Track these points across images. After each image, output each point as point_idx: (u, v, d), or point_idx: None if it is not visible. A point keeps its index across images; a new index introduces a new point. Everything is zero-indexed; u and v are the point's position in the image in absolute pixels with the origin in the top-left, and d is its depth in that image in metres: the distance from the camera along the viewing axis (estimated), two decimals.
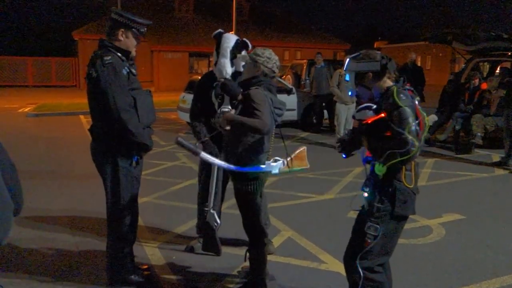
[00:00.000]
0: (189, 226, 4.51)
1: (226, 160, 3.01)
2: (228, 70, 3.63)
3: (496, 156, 8.11)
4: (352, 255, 2.50)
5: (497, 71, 11.12)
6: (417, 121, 2.35)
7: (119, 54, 3.03)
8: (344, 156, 2.70)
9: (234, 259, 3.77)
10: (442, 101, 10.09)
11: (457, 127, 8.93)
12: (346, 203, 5.22)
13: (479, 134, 8.34)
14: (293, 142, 9.47)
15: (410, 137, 2.27)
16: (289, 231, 4.50)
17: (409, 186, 2.42)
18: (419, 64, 25.33)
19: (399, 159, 2.29)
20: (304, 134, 10.78)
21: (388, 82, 2.52)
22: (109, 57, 2.95)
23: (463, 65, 11.10)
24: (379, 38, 48.28)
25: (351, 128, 5.89)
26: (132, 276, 3.30)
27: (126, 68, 3.02)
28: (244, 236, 3.22)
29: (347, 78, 2.64)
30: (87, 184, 6.09)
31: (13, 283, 3.39)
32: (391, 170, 2.39)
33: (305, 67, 12.10)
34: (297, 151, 3.23)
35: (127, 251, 3.27)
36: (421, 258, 3.92)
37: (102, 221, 4.17)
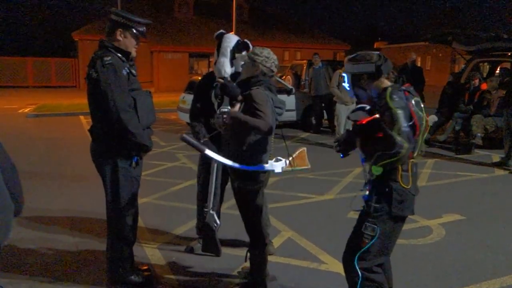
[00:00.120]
0: (189, 226, 4.51)
1: (228, 159, 3.01)
2: (227, 69, 3.63)
3: (496, 156, 8.10)
4: (351, 255, 2.50)
5: (497, 71, 11.12)
6: (410, 123, 2.34)
7: (119, 55, 3.03)
8: (341, 156, 2.70)
9: (234, 259, 3.77)
10: (442, 102, 10.09)
11: (457, 128, 8.94)
12: (346, 203, 5.22)
13: (479, 134, 8.34)
14: (293, 143, 9.47)
15: (398, 138, 2.25)
16: (289, 232, 4.50)
17: (406, 186, 2.42)
18: (419, 64, 25.34)
19: (388, 160, 2.30)
20: (304, 135, 10.78)
21: (385, 83, 2.52)
22: (109, 58, 2.95)
23: (463, 66, 11.10)
24: (379, 38, 48.28)
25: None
26: (132, 277, 3.30)
27: (126, 68, 3.02)
28: (244, 237, 3.22)
29: (345, 79, 2.66)
30: (87, 184, 6.09)
31: (13, 283, 3.39)
32: (387, 171, 2.39)
33: (305, 67, 12.10)
34: (297, 152, 3.24)
35: (127, 252, 3.27)
36: (421, 259, 3.92)
37: (102, 222, 4.16)
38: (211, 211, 3.22)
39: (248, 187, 3.01)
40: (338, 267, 3.52)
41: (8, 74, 27.10)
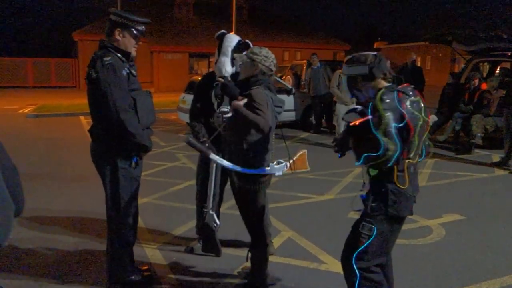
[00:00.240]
0: (189, 227, 4.51)
1: (230, 159, 3.02)
2: (228, 68, 3.64)
3: (496, 156, 8.11)
4: (348, 254, 2.51)
5: (497, 71, 11.12)
6: (401, 124, 2.31)
7: (119, 55, 3.03)
8: (339, 155, 2.71)
9: (234, 260, 3.77)
10: (442, 102, 10.10)
11: (457, 128, 8.94)
12: (346, 203, 5.23)
13: (479, 134, 8.34)
14: (293, 143, 9.47)
15: (384, 140, 2.26)
16: (289, 232, 4.50)
17: (402, 187, 2.41)
18: (419, 64, 25.34)
19: (374, 162, 2.30)
20: (304, 135, 10.78)
21: (382, 83, 2.51)
22: (109, 58, 2.95)
23: (463, 66, 11.10)
24: (379, 38, 48.27)
25: None
26: (132, 277, 3.30)
27: (126, 69, 3.02)
28: (244, 237, 3.22)
29: (343, 81, 2.68)
30: (87, 184, 6.09)
31: (13, 283, 3.40)
32: (383, 171, 2.39)
33: (305, 67, 12.12)
34: (298, 154, 3.25)
35: (127, 252, 3.27)
36: (421, 259, 3.92)
37: (102, 222, 4.17)
38: (210, 211, 3.22)
39: (248, 186, 3.01)
40: (338, 267, 3.51)
41: (8, 75, 27.10)
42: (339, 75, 8.81)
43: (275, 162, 3.05)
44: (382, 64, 2.51)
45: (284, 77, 12.66)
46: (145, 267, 3.57)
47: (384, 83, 2.51)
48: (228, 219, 4.30)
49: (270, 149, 3.08)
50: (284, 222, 4.74)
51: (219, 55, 3.71)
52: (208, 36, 27.11)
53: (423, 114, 2.43)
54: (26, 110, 15.50)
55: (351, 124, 2.47)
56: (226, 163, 2.99)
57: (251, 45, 3.72)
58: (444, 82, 10.61)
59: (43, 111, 14.98)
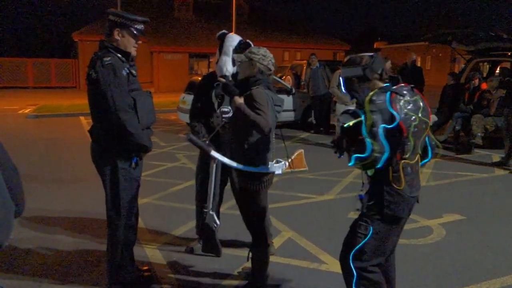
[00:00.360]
0: (189, 227, 4.51)
1: (232, 158, 3.02)
2: (229, 68, 3.64)
3: (496, 156, 8.11)
4: (346, 253, 2.52)
5: (497, 71, 11.12)
6: (392, 125, 2.30)
7: (119, 55, 3.03)
8: (338, 156, 2.72)
9: (234, 260, 3.77)
10: (442, 102, 10.09)
11: (457, 127, 8.93)
12: (346, 203, 5.24)
13: (479, 134, 8.34)
14: (293, 143, 9.47)
15: (369, 141, 2.26)
16: (289, 232, 4.50)
17: (398, 187, 2.42)
18: (419, 64, 25.33)
19: (363, 163, 2.31)
20: (304, 135, 10.78)
21: (378, 84, 2.51)
22: (109, 58, 2.95)
23: (463, 66, 11.10)
24: (379, 38, 48.28)
25: None
26: (133, 277, 3.30)
27: (126, 69, 3.02)
28: (244, 237, 3.23)
29: (341, 82, 2.69)
30: (87, 185, 6.09)
31: (13, 283, 3.40)
32: (379, 171, 2.39)
33: (305, 67, 12.13)
34: (295, 154, 3.26)
35: (128, 252, 3.27)
36: (421, 259, 3.93)
37: (102, 222, 4.17)
38: (210, 212, 3.22)
39: (250, 186, 3.01)
40: (338, 267, 3.49)
41: (8, 75, 27.10)
42: (339, 75, 8.80)
43: (274, 161, 3.06)
44: (376, 65, 2.50)
45: (284, 77, 12.65)
46: (145, 267, 3.58)
47: (380, 84, 2.51)
48: (228, 219, 4.30)
49: (271, 148, 3.09)
50: (284, 222, 4.74)
51: (220, 55, 3.71)
52: (208, 36, 27.12)
53: (420, 114, 2.40)
54: (26, 111, 15.50)
55: (345, 125, 2.47)
56: (227, 160, 2.99)
57: (252, 45, 3.72)
58: (444, 82, 10.59)
59: (43, 111, 14.98)
